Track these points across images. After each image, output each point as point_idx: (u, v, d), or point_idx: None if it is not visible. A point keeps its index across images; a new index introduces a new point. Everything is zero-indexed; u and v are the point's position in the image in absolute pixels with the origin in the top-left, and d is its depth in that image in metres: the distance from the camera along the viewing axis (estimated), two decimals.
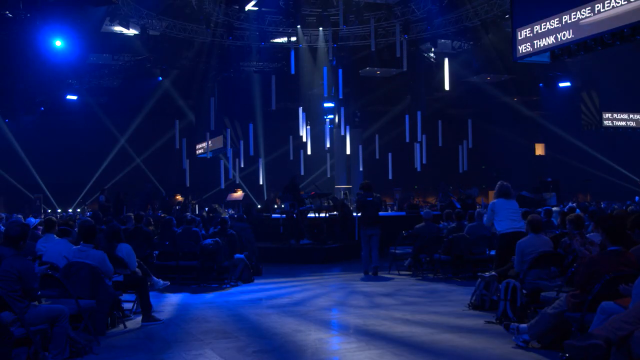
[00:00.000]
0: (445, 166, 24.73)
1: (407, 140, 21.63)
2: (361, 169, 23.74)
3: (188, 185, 23.49)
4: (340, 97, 21.94)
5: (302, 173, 23.13)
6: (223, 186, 23.34)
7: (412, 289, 9.64)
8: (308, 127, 22.03)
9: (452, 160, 23.25)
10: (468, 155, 22.80)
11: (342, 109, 22.09)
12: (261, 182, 24.48)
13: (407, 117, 21.44)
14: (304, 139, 22.04)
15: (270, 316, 7.46)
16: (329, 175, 24.97)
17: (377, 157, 23.17)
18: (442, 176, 23.97)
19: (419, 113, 21.02)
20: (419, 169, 22.28)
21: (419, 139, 21.41)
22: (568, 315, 5.18)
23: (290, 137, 23.05)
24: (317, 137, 26.89)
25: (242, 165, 23.37)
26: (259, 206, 21.20)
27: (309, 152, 22.44)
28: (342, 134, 22.65)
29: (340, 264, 13.41)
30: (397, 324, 6.85)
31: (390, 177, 22.55)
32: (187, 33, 20.39)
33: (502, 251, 8.19)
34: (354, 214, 11.53)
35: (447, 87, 21.40)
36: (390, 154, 22.52)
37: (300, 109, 21.71)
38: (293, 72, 21.22)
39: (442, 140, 22.38)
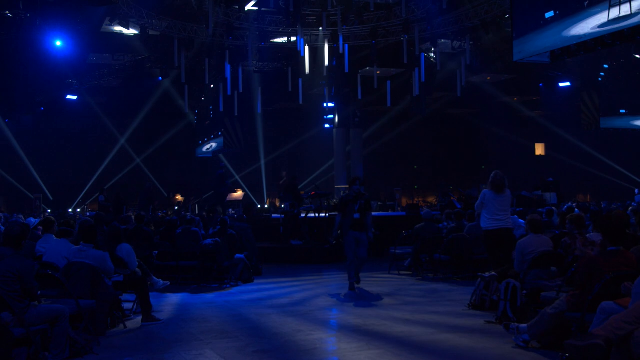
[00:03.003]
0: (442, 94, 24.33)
1: (405, 61, 20.54)
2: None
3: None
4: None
5: (301, 102, 22.20)
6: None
7: (412, 289, 9.64)
8: (307, 46, 20.84)
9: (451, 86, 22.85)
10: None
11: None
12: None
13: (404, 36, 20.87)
14: (302, 54, 20.70)
15: (270, 316, 7.46)
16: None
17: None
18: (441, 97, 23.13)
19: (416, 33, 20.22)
20: (416, 92, 21.35)
21: (416, 52, 20.52)
22: (568, 315, 5.18)
23: (290, 69, 21.84)
24: (317, 138, 26.95)
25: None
26: (259, 206, 21.19)
27: (307, 71, 21.23)
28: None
29: (340, 263, 13.39)
30: (397, 324, 6.85)
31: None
32: (187, 33, 20.39)
33: (489, 248, 8.27)
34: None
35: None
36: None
37: (299, 28, 19.88)
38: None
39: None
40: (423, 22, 20.20)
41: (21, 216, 14.39)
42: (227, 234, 10.43)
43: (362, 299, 8.68)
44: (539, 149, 30.22)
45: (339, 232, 9.41)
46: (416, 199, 24.61)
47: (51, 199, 23.57)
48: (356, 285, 9.29)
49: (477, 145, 28.07)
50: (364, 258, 9.30)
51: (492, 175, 8.18)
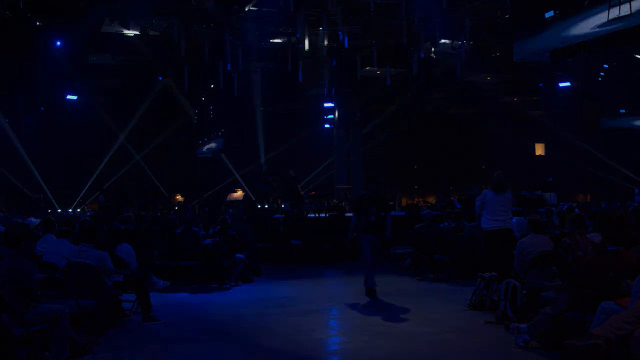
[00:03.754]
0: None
1: (404, 41, 19.95)
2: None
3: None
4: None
5: (300, 80, 21.64)
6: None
7: (412, 289, 9.64)
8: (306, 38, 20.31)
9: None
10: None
11: None
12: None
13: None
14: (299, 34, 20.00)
15: (270, 316, 7.47)
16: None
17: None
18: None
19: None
20: (415, 70, 20.83)
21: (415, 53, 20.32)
22: (568, 315, 5.18)
23: (289, 53, 21.41)
24: (317, 137, 26.92)
25: None
26: (258, 206, 21.14)
27: (306, 48, 20.45)
28: None
29: (340, 263, 13.39)
30: (397, 324, 6.85)
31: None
32: (187, 33, 20.36)
33: (489, 248, 8.24)
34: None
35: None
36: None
37: (299, 22, 19.07)
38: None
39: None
40: (423, 22, 20.19)
41: (21, 216, 14.37)
42: (227, 234, 10.43)
43: (362, 299, 8.68)
44: (539, 149, 30.15)
45: (354, 233, 8.92)
46: (416, 199, 24.56)
47: (51, 199, 23.57)
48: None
49: (477, 145, 28.03)
50: (375, 265, 8.79)
51: (494, 175, 8.19)
